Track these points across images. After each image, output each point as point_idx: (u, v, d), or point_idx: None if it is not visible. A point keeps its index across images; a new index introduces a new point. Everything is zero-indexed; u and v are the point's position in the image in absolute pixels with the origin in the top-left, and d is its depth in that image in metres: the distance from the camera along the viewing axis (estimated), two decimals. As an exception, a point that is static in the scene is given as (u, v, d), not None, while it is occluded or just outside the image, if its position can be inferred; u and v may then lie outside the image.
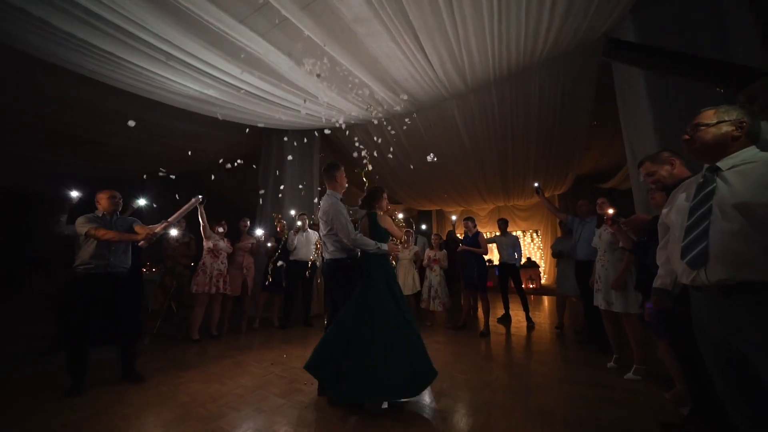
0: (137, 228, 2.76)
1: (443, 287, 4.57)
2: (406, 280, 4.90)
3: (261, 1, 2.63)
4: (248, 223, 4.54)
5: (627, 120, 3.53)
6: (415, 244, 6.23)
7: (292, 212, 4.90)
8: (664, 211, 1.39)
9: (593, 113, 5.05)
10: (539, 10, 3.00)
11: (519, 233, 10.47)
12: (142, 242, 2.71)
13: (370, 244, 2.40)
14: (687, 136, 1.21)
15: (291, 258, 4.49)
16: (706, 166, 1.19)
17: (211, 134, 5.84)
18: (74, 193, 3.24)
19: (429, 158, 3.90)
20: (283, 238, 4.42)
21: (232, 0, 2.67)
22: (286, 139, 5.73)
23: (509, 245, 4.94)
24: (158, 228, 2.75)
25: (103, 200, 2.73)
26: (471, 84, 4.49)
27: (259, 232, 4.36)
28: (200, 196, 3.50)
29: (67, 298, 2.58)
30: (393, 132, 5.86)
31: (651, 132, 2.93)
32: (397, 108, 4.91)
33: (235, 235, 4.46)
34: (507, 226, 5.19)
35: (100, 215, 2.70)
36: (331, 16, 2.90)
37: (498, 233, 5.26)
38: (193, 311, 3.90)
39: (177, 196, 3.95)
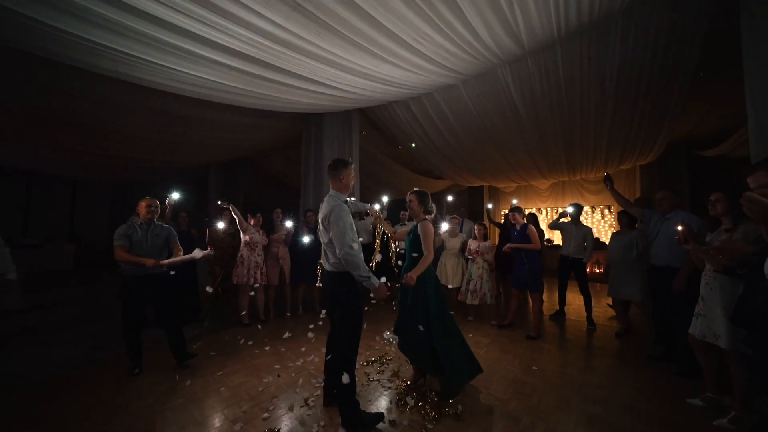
0: (172, 244, 3.02)
1: (486, 281, 4.19)
2: (456, 271, 4.57)
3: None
4: (280, 213, 4.60)
5: (754, 68, 2.53)
6: (461, 231, 5.83)
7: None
8: None
9: (698, 64, 3.87)
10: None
11: (587, 209, 9.22)
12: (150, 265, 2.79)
13: (362, 268, 2.05)
14: None
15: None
16: None
17: (261, 123, 5.94)
18: (174, 195, 3.96)
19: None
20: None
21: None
22: (323, 120, 5.56)
23: (579, 237, 4.27)
24: (163, 262, 2.84)
25: (141, 209, 2.93)
26: (529, 46, 3.70)
27: (288, 224, 4.40)
28: (219, 202, 3.86)
29: (121, 295, 2.86)
30: (434, 105, 5.30)
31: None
32: (438, 79, 4.33)
33: (270, 226, 4.59)
34: (580, 213, 4.43)
35: (138, 224, 2.91)
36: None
37: (567, 219, 4.52)
38: (239, 300, 4.21)
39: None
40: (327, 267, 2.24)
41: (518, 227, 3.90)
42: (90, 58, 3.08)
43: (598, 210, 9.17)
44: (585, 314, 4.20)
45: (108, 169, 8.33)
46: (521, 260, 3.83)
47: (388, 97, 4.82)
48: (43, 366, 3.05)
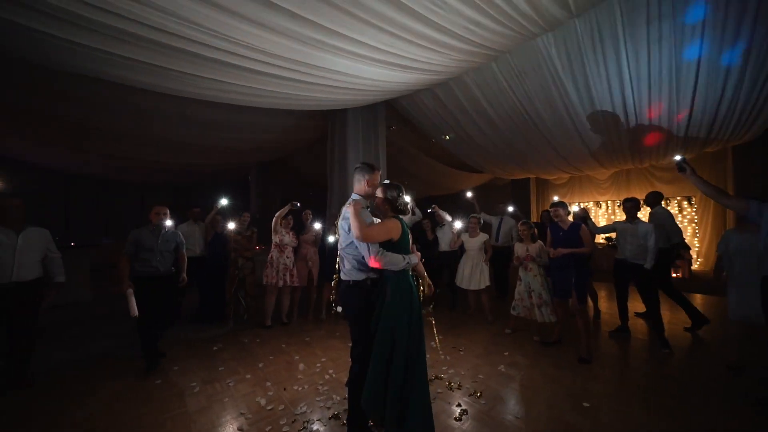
0: (180, 253, 3.25)
1: (547, 290, 3.49)
2: (473, 272, 4.16)
3: None
4: (310, 214, 4.49)
5: None
6: (499, 230, 5.24)
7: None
8: None
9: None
10: None
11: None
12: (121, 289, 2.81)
13: (399, 260, 1.88)
14: None
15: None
16: None
17: (283, 123, 5.96)
18: (223, 201, 4.33)
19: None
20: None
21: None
22: (347, 116, 5.33)
23: (638, 237, 3.48)
24: (128, 294, 2.79)
25: (152, 215, 3.05)
26: (577, 6, 3.06)
27: (317, 225, 4.27)
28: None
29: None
30: (465, 90, 4.76)
31: None
32: (465, 58, 3.81)
33: (300, 227, 4.49)
34: (637, 210, 3.64)
35: (151, 229, 3.02)
36: None
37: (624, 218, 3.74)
38: (265, 300, 4.17)
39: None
40: (342, 275, 2.10)
41: (564, 227, 3.25)
42: (130, 73, 3.27)
43: (674, 202, 7.73)
44: (656, 333, 3.40)
45: (167, 173, 9.22)
46: (566, 265, 3.18)
47: (410, 86, 4.41)
48: (72, 360, 3.24)
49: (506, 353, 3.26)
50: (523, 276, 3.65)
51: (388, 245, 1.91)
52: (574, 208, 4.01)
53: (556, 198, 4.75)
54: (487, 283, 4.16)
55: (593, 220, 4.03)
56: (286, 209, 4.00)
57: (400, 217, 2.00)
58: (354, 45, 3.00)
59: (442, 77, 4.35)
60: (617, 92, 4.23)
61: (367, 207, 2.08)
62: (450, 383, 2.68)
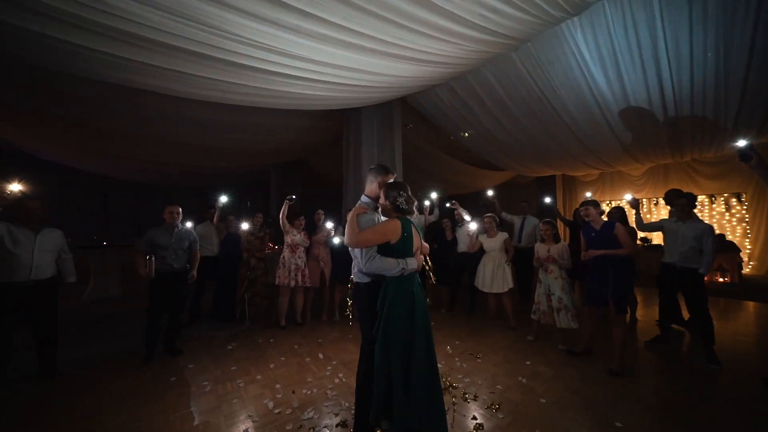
0: (194, 251, 3.36)
1: (569, 294, 3.28)
2: (495, 274, 3.95)
3: None
4: (322, 214, 4.45)
5: None
6: (521, 229, 4.97)
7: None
8: None
9: None
10: None
11: (702, 199, 7.16)
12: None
13: (392, 265, 1.76)
14: None
15: None
16: None
17: (305, 124, 5.99)
18: (223, 198, 4.40)
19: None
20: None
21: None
22: (361, 116, 5.24)
23: (690, 239, 3.11)
24: (144, 272, 3.01)
25: (166, 215, 3.16)
26: (605, -16, 2.80)
27: (329, 225, 4.21)
28: (294, 196, 3.91)
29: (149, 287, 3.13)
30: (483, 83, 4.53)
31: None
32: (482, 49, 3.61)
33: (312, 227, 4.46)
34: (692, 207, 3.25)
35: (165, 228, 3.15)
36: None
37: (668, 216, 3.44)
38: (279, 301, 4.18)
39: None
40: (353, 276, 2.05)
41: (597, 227, 2.97)
42: (140, 76, 3.35)
43: (720, 200, 7.04)
44: (705, 346, 3.04)
45: (191, 176, 9.61)
46: (602, 270, 2.90)
47: (424, 81, 4.26)
48: (91, 356, 3.32)
49: (528, 362, 3.04)
50: (543, 278, 3.42)
51: (386, 248, 1.80)
52: (627, 197, 3.69)
53: (589, 194, 4.41)
54: (510, 285, 3.92)
55: (641, 215, 3.71)
56: (285, 207, 3.91)
57: (407, 218, 1.88)
58: (363, 39, 2.90)
59: (458, 70, 4.16)
60: (653, 80, 3.86)
61: (376, 209, 2.01)
62: (465, 393, 2.52)
